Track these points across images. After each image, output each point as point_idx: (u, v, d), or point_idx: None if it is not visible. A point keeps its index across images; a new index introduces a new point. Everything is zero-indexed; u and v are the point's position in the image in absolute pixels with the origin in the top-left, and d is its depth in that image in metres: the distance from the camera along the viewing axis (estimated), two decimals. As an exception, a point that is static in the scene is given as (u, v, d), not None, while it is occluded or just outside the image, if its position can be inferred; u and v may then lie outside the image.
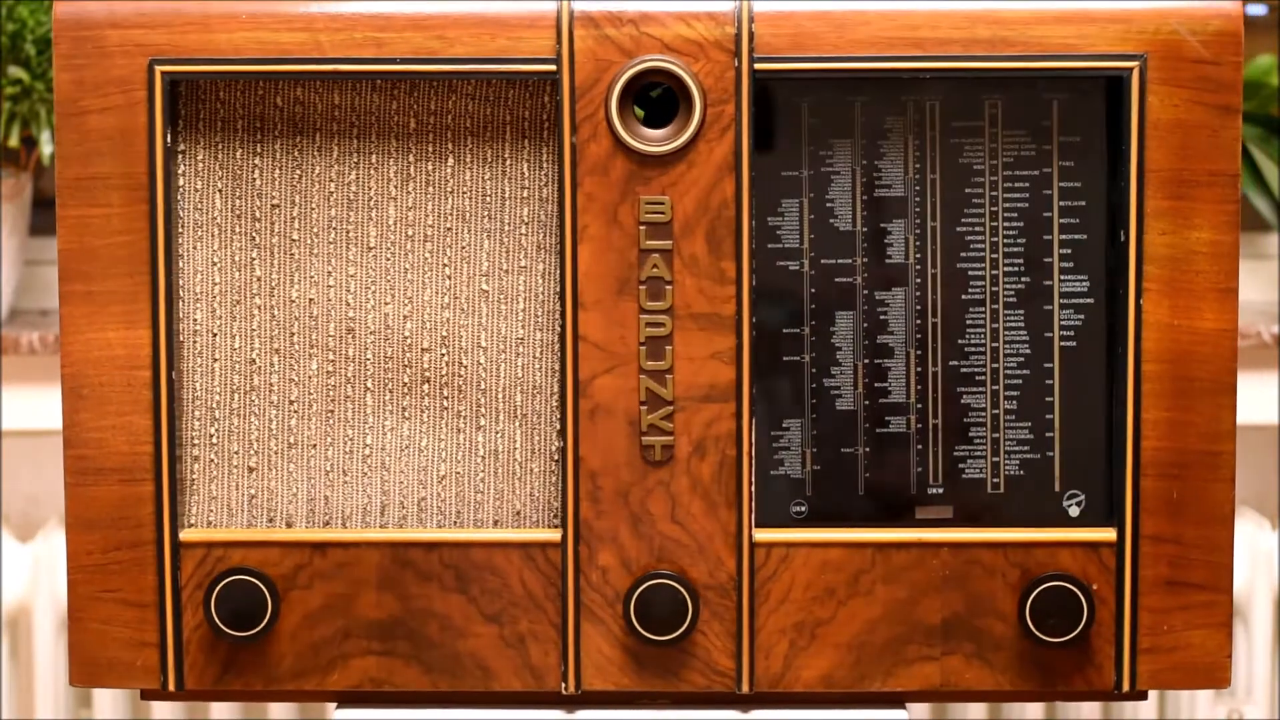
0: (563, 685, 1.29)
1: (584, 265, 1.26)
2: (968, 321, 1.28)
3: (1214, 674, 1.28)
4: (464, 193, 1.28)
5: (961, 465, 1.29)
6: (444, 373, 1.29)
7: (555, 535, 1.28)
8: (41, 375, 2.36)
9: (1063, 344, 1.28)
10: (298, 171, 1.28)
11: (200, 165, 1.28)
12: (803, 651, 1.28)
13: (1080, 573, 1.27)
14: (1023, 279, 1.28)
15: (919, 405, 1.28)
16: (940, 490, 1.29)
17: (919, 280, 1.28)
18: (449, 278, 1.29)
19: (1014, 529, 1.28)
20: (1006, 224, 1.27)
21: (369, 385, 1.29)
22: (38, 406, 2.39)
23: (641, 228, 1.26)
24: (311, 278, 1.29)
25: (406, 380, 1.29)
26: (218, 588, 1.27)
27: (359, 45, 1.25)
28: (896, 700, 1.30)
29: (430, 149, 1.28)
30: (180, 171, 1.28)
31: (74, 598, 1.29)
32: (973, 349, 1.28)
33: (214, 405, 1.29)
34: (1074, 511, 1.29)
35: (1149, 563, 1.27)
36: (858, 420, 1.28)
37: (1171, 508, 1.27)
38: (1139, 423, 1.26)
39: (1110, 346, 1.27)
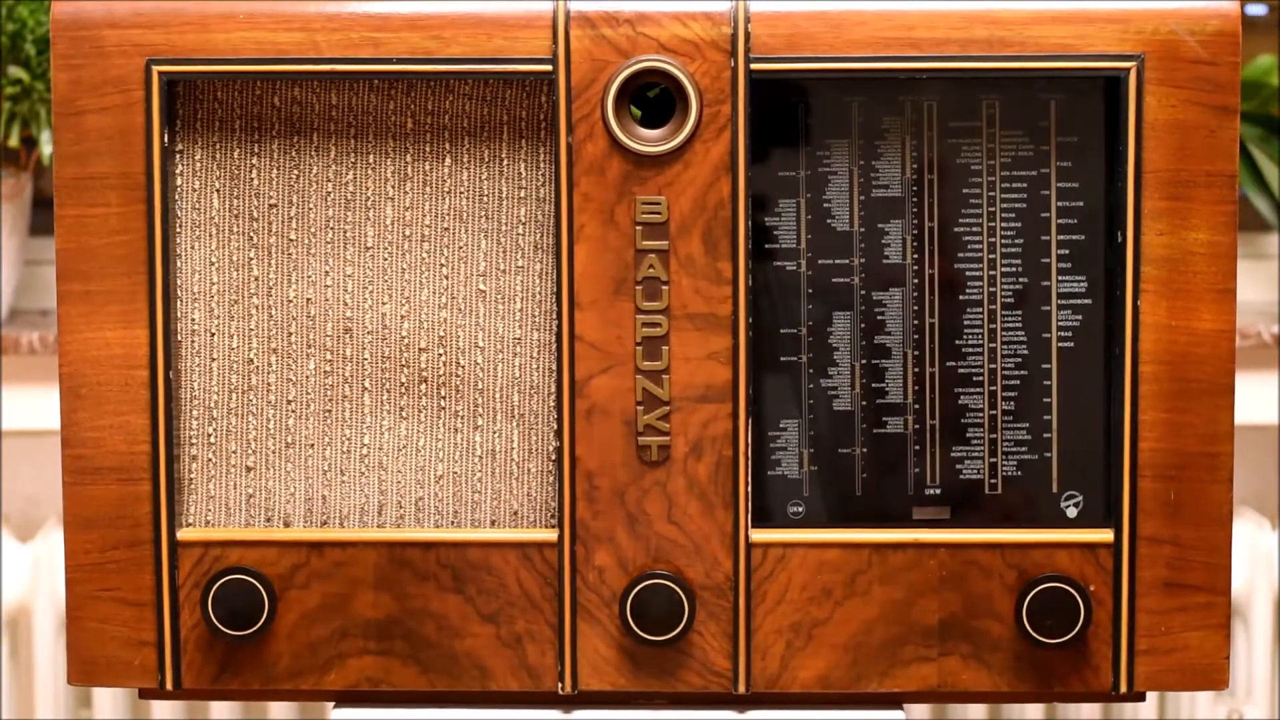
0: (559, 685, 1.29)
1: (580, 265, 1.26)
2: (965, 322, 1.28)
3: (1212, 675, 1.28)
4: (461, 193, 1.28)
5: (959, 466, 1.28)
6: (441, 372, 1.29)
7: (552, 535, 1.28)
8: (41, 375, 2.36)
9: (1060, 345, 1.28)
10: (295, 171, 1.28)
11: (198, 165, 1.28)
12: (799, 652, 1.28)
13: (1078, 574, 1.27)
14: (1020, 279, 1.28)
15: (916, 406, 1.28)
16: (937, 491, 1.29)
17: (916, 281, 1.28)
18: (446, 278, 1.29)
19: (1011, 530, 1.28)
20: (1004, 224, 1.27)
21: (366, 385, 1.29)
22: (38, 406, 2.39)
23: (638, 228, 1.26)
24: (309, 277, 1.29)
25: (404, 380, 1.29)
26: (215, 587, 1.27)
27: (356, 45, 1.25)
28: (894, 701, 1.30)
29: (427, 149, 1.28)
30: (178, 171, 1.28)
31: (72, 597, 1.29)
32: (970, 349, 1.28)
33: (212, 405, 1.29)
34: (1071, 512, 1.29)
35: (1146, 564, 1.27)
36: (855, 421, 1.28)
37: (1169, 509, 1.27)
38: (1136, 424, 1.26)
39: (1108, 347, 1.27)
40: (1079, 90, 1.26)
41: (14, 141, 2.30)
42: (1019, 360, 1.28)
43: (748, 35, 1.25)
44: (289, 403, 1.30)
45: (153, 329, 1.27)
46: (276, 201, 1.29)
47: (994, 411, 1.28)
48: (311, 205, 1.29)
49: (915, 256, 1.27)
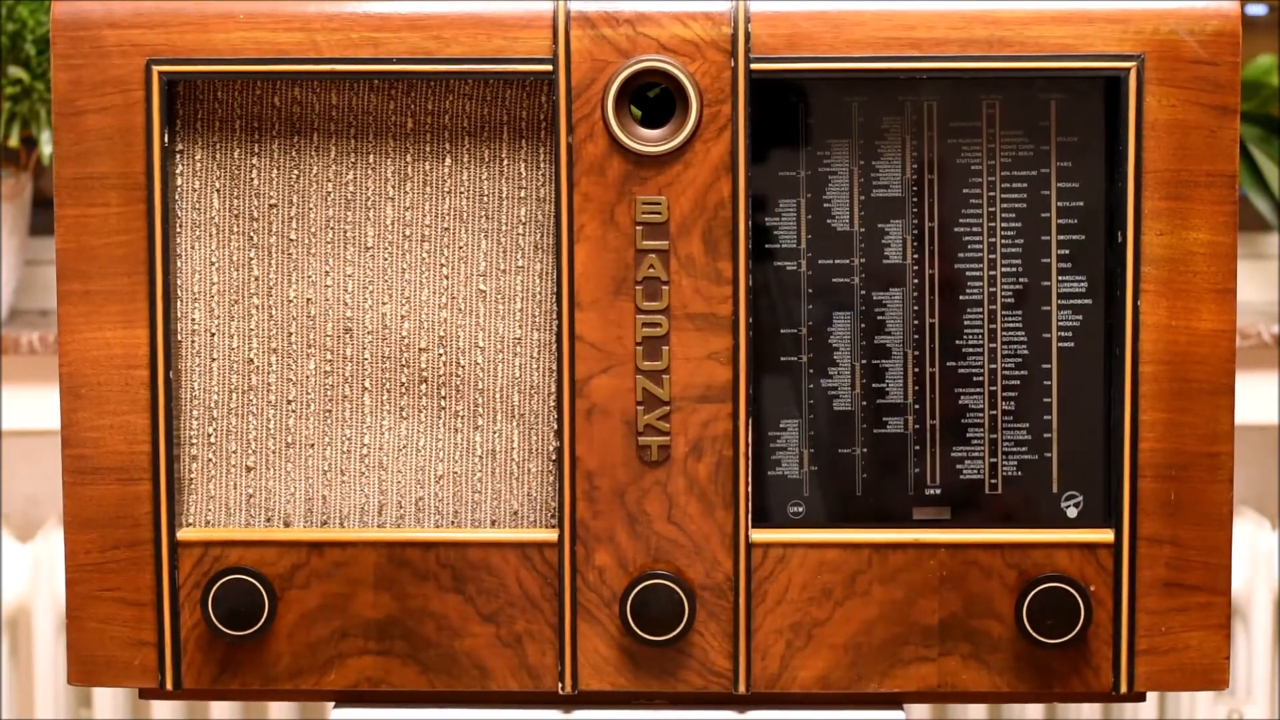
0: (559, 685, 1.29)
1: (580, 265, 1.26)
2: (965, 322, 1.28)
3: (1212, 675, 1.28)
4: (461, 193, 1.28)
5: (959, 466, 1.28)
6: (441, 372, 1.29)
7: (552, 535, 1.28)
8: (41, 375, 2.36)
9: (1060, 345, 1.28)
10: (295, 171, 1.28)
11: (198, 165, 1.28)
12: (799, 652, 1.28)
13: (1078, 574, 1.27)
14: (1020, 279, 1.28)
15: (916, 406, 1.28)
16: (938, 491, 1.29)
17: (916, 281, 1.28)
18: (446, 278, 1.29)
19: (1011, 530, 1.28)
20: (1004, 224, 1.27)
21: (367, 385, 1.29)
22: (38, 406, 2.39)
23: (638, 228, 1.26)
24: (309, 277, 1.29)
25: (404, 380, 1.29)
26: (215, 587, 1.27)
27: (356, 45, 1.25)
28: (894, 701, 1.30)
29: (428, 149, 1.28)
30: (178, 171, 1.28)
31: (72, 597, 1.29)
32: (970, 349, 1.28)
33: (212, 405, 1.29)
34: (1072, 512, 1.29)
35: (1147, 564, 1.27)
36: (855, 421, 1.28)
37: (1169, 509, 1.27)
38: (1136, 424, 1.26)
39: (1108, 347, 1.27)
40: (1079, 90, 1.26)
41: (14, 141, 2.30)
42: (1019, 360, 1.28)
43: (748, 35, 1.25)
44: (289, 403, 1.30)
45: (153, 329, 1.27)
46: (276, 201, 1.29)
47: (994, 411, 1.28)
48: (311, 205, 1.29)
49: (915, 256, 1.27)
